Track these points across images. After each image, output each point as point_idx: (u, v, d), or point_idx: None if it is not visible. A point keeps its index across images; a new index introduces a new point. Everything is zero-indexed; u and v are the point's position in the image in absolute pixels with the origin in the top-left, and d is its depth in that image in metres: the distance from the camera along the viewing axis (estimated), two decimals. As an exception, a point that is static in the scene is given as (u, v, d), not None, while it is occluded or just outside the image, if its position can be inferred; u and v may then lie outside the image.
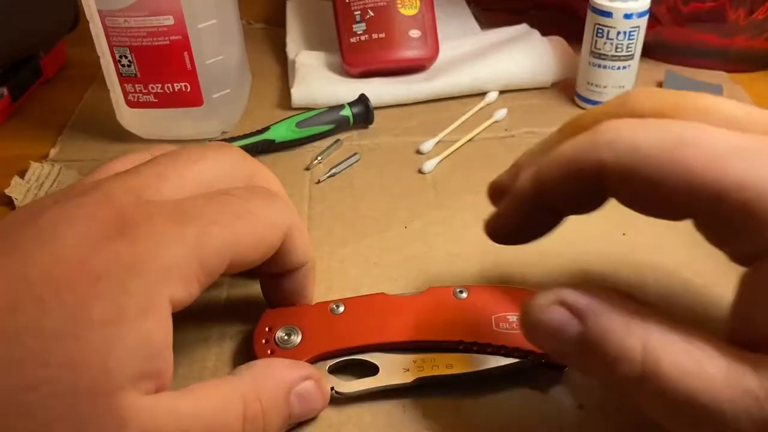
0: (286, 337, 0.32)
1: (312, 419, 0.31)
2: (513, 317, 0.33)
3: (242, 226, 0.27)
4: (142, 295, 0.24)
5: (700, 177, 0.22)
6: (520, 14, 0.70)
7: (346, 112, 0.52)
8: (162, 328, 0.24)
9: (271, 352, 0.32)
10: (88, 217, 0.25)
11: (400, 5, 0.58)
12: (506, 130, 0.53)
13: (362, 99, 0.53)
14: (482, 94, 0.58)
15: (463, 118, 0.54)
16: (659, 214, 0.25)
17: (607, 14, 0.51)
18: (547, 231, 0.30)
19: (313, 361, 0.32)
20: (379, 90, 0.56)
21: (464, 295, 0.34)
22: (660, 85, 0.59)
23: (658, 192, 0.23)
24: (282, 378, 0.29)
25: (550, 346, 0.25)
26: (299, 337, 0.32)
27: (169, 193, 0.27)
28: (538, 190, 0.27)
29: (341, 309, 0.33)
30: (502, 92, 0.58)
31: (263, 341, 0.32)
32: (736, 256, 0.24)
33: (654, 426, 0.30)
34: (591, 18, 0.53)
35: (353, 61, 0.58)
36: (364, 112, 0.53)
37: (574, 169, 0.25)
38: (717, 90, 0.58)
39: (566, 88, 0.58)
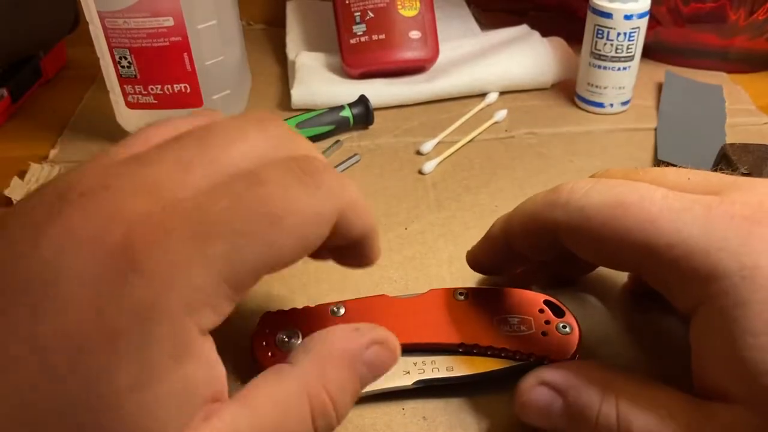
0: (286, 340, 0.32)
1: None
2: (514, 319, 0.33)
3: (280, 233, 0.23)
4: (171, 338, 0.20)
5: (634, 237, 0.26)
6: (520, 15, 0.70)
7: (346, 113, 0.52)
8: (201, 367, 0.21)
9: (272, 355, 0.32)
10: (95, 243, 0.20)
11: (400, 6, 0.58)
12: (506, 130, 0.53)
13: (362, 100, 0.53)
14: (482, 95, 0.58)
15: (463, 119, 0.54)
16: (611, 266, 0.29)
17: (608, 15, 0.51)
18: (519, 267, 0.36)
19: None
20: (379, 91, 0.56)
21: (465, 297, 0.34)
22: (660, 85, 0.59)
23: (603, 249, 0.27)
24: (343, 353, 0.25)
25: (543, 423, 0.28)
26: (300, 340, 0.32)
27: (196, 185, 0.23)
28: (506, 238, 0.32)
29: (342, 311, 0.33)
30: (502, 93, 0.58)
31: (263, 344, 0.32)
32: (679, 309, 0.27)
33: None
34: (591, 19, 0.53)
35: (353, 62, 0.58)
36: (364, 113, 0.53)
37: (534, 224, 0.30)
38: (717, 90, 0.58)
39: (566, 88, 0.58)
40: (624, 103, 0.55)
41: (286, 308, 0.34)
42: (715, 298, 0.24)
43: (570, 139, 0.52)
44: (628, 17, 0.51)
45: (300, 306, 0.34)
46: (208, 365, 0.22)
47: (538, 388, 0.28)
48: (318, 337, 0.26)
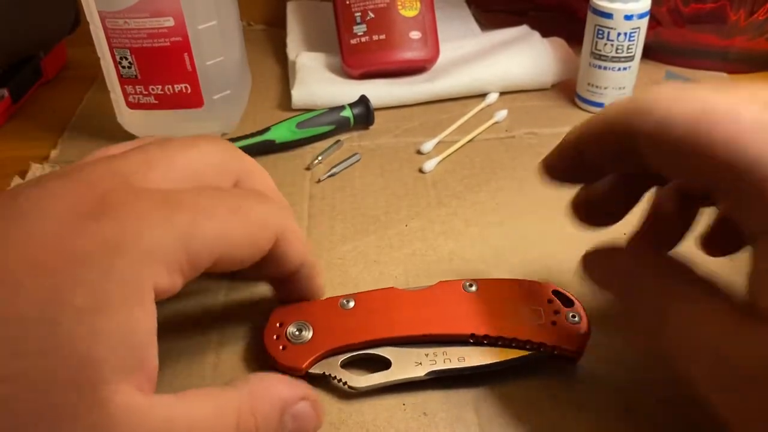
0: (297, 333, 0.32)
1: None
2: (523, 309, 0.33)
3: (234, 222, 0.26)
4: (128, 280, 0.22)
5: (720, 151, 0.23)
6: (520, 15, 0.70)
7: (347, 113, 0.52)
8: (147, 318, 0.23)
9: (283, 348, 0.32)
10: (71, 195, 0.24)
11: (400, 6, 0.59)
12: (506, 130, 0.53)
13: (363, 100, 0.53)
14: (483, 96, 0.58)
15: (464, 119, 0.54)
16: (689, 183, 0.27)
17: (608, 15, 0.51)
18: (591, 179, 0.32)
19: (326, 356, 0.32)
20: (380, 91, 0.56)
21: (474, 288, 0.34)
22: (655, 83, 0.59)
23: (682, 163, 0.24)
24: (279, 396, 0.27)
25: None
26: (310, 333, 0.32)
27: (157, 181, 0.26)
28: (579, 145, 0.29)
29: (351, 304, 0.33)
30: (502, 93, 0.58)
31: (274, 337, 0.32)
32: (746, 232, 0.25)
33: (653, 426, 0.30)
34: (591, 19, 0.53)
35: (353, 62, 0.58)
36: (364, 113, 0.53)
37: (611, 132, 0.27)
38: None
39: (566, 89, 0.58)
40: (624, 103, 0.55)
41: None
42: None
43: (570, 139, 0.52)
44: (628, 17, 0.51)
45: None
46: (151, 325, 0.23)
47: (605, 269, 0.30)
48: (259, 376, 0.27)
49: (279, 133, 0.50)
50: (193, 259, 0.24)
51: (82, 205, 0.23)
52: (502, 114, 0.55)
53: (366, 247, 0.41)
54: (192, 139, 0.29)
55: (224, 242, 0.25)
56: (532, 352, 0.32)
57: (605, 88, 0.54)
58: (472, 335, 0.32)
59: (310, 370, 0.31)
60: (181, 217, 0.24)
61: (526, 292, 0.34)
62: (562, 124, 0.54)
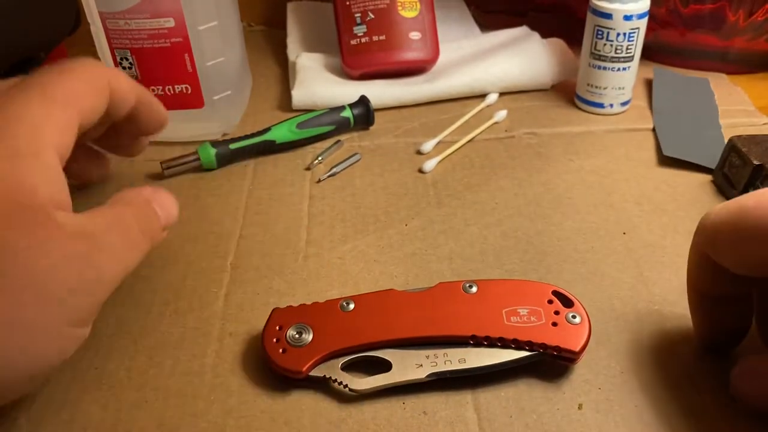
0: (297, 336, 0.32)
1: (312, 415, 0.31)
2: (523, 310, 0.33)
3: (71, 78, 0.31)
4: (30, 138, 0.28)
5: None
6: (520, 16, 0.70)
7: (347, 113, 0.52)
8: (57, 164, 0.28)
9: (283, 351, 0.32)
10: None
11: (400, 7, 0.59)
12: (506, 131, 0.54)
13: (363, 100, 0.53)
14: (482, 96, 0.58)
15: (464, 119, 0.54)
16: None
17: (607, 16, 0.51)
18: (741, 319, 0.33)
19: (327, 358, 0.32)
20: (380, 91, 0.57)
21: (474, 289, 0.34)
22: (650, 82, 0.59)
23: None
24: (141, 196, 0.33)
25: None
26: (311, 335, 0.32)
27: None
28: (696, 290, 0.33)
29: (351, 306, 0.33)
30: (502, 94, 0.58)
31: (274, 340, 0.32)
32: None
33: (653, 426, 0.30)
34: (591, 20, 0.53)
35: (353, 63, 0.58)
36: (364, 114, 0.53)
37: (698, 259, 0.31)
38: (704, 84, 0.59)
39: (566, 89, 0.59)
40: (624, 104, 0.55)
41: (293, 305, 0.34)
42: None
43: (570, 140, 0.52)
44: (627, 18, 0.51)
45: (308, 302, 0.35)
46: (60, 170, 0.29)
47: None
48: (121, 193, 0.33)
49: (279, 134, 0.51)
50: (65, 118, 0.30)
51: None
52: (501, 114, 0.55)
53: (366, 247, 0.41)
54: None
55: (76, 94, 0.31)
56: (533, 353, 0.32)
57: (605, 88, 0.54)
58: (473, 337, 0.32)
59: (311, 373, 0.32)
60: (38, 92, 0.30)
61: (526, 293, 0.34)
62: (561, 124, 0.54)
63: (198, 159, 0.49)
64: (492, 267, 0.39)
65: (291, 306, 0.34)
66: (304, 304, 0.34)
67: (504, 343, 0.32)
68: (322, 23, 0.67)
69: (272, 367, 0.32)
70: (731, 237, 0.28)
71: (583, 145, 0.52)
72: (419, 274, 0.39)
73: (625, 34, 0.52)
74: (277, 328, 0.33)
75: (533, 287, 0.34)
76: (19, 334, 0.26)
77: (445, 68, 0.59)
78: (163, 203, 0.35)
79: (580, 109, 0.56)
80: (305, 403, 0.32)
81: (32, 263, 0.26)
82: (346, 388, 0.31)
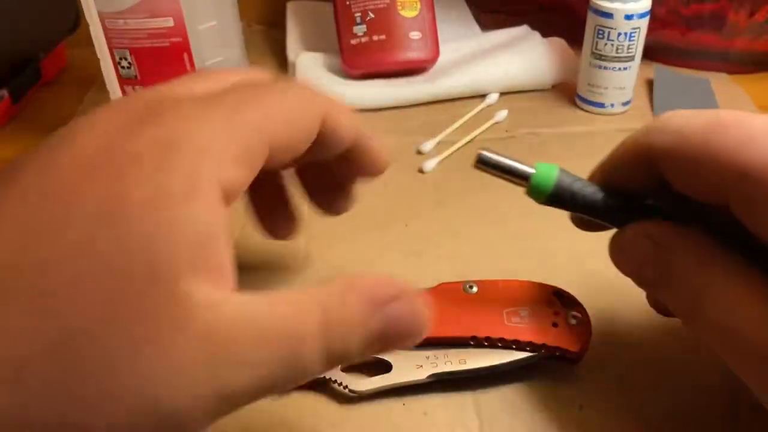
0: None
1: (312, 415, 0.31)
2: (524, 311, 0.33)
3: (274, 102, 0.25)
4: (186, 173, 0.21)
5: (730, 156, 0.24)
6: (520, 16, 0.70)
7: None
8: (213, 211, 0.22)
9: None
10: (117, 110, 0.24)
11: (400, 7, 0.59)
12: (507, 131, 0.53)
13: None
14: (483, 96, 0.58)
15: (464, 119, 0.54)
16: (703, 196, 0.26)
17: (608, 15, 0.51)
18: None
19: None
20: (380, 91, 0.56)
21: (474, 289, 0.34)
22: (650, 81, 0.59)
23: (696, 172, 0.25)
24: (367, 289, 0.24)
25: (631, 270, 0.28)
26: None
27: (201, 90, 0.26)
28: (606, 169, 0.31)
29: None
30: (502, 94, 0.58)
31: None
32: (764, 237, 0.25)
33: (654, 426, 0.30)
34: (592, 19, 0.53)
35: (353, 63, 0.58)
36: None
37: (631, 152, 0.29)
38: (705, 84, 0.59)
39: (567, 89, 0.58)
40: (625, 104, 0.55)
41: None
42: None
43: (570, 140, 0.52)
44: (628, 17, 0.51)
45: None
46: (219, 219, 0.22)
47: (642, 239, 0.28)
48: (341, 279, 0.24)
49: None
50: (247, 146, 0.24)
51: (128, 115, 0.23)
52: (502, 114, 0.54)
53: (366, 247, 0.41)
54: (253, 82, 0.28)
55: (272, 121, 0.25)
56: (534, 354, 0.32)
57: (605, 88, 0.54)
58: (473, 338, 0.32)
59: None
60: (223, 110, 0.24)
61: (527, 293, 0.34)
62: (562, 124, 0.54)
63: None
64: (492, 267, 0.39)
65: None
66: None
67: (505, 344, 0.32)
68: (321, 23, 0.67)
69: None
70: (697, 154, 0.25)
71: (584, 145, 0.52)
72: (419, 275, 0.39)
73: (626, 33, 0.52)
74: None
75: (534, 287, 0.34)
76: None
77: (445, 68, 0.59)
78: (400, 319, 0.24)
79: (580, 108, 0.56)
80: (305, 403, 0.32)
81: (136, 365, 0.20)
82: (347, 390, 0.31)
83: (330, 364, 0.23)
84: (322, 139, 0.28)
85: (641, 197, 0.30)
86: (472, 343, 0.32)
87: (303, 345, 0.22)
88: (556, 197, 0.30)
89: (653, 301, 0.32)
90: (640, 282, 0.28)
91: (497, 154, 0.30)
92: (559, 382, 0.32)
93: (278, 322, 0.22)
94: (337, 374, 0.31)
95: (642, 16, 0.51)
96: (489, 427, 0.30)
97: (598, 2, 0.52)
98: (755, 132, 0.24)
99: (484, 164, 0.30)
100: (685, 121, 0.26)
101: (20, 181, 0.22)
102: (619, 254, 0.29)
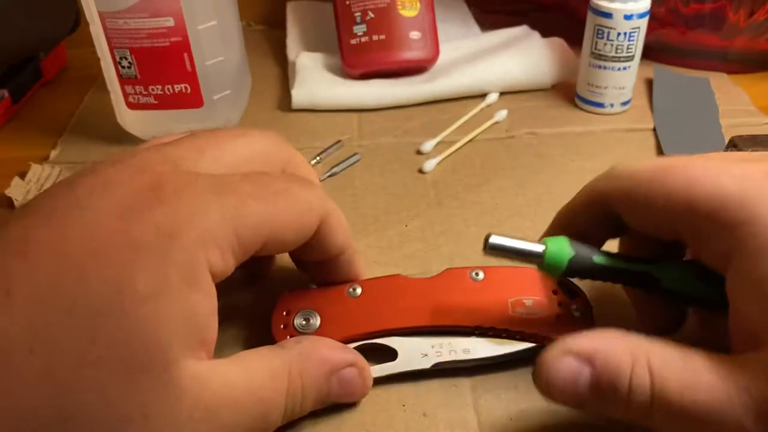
0: (304, 323, 0.32)
1: (312, 416, 0.31)
2: (529, 301, 0.33)
3: (280, 203, 0.27)
4: (185, 263, 0.24)
5: (678, 195, 0.26)
6: (520, 16, 0.70)
7: None
8: (207, 298, 0.24)
9: (290, 337, 0.32)
10: (125, 184, 0.25)
11: (400, 7, 0.59)
12: (507, 131, 0.53)
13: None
14: (483, 96, 0.58)
15: (464, 119, 0.54)
16: (658, 232, 0.28)
17: (608, 15, 0.51)
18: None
19: None
20: (380, 91, 0.56)
21: (481, 276, 0.34)
22: (650, 81, 0.59)
23: (649, 211, 0.28)
24: (327, 359, 0.29)
25: (569, 398, 0.26)
26: (318, 321, 0.32)
27: (207, 166, 0.27)
28: (565, 221, 0.32)
29: (358, 291, 0.33)
30: (502, 94, 0.58)
31: (281, 326, 0.32)
32: (715, 264, 0.27)
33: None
34: (591, 19, 0.53)
35: (353, 62, 0.58)
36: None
37: (588, 199, 0.31)
38: (704, 84, 0.59)
39: (566, 89, 0.58)
40: (624, 104, 0.55)
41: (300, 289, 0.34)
42: (749, 240, 0.24)
43: (570, 140, 0.52)
44: (628, 17, 0.51)
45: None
46: (210, 305, 0.25)
47: (564, 358, 0.26)
48: (310, 339, 0.30)
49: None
50: (243, 240, 0.25)
51: (136, 193, 0.24)
52: (502, 114, 0.54)
53: (366, 247, 0.41)
54: (241, 129, 0.31)
55: (272, 223, 0.27)
56: (537, 344, 0.32)
57: (605, 87, 0.54)
58: (478, 328, 0.32)
59: None
60: (230, 200, 0.25)
61: (532, 282, 0.34)
62: (562, 124, 0.54)
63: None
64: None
65: (299, 290, 0.34)
66: (312, 288, 0.34)
67: (509, 335, 0.32)
68: (321, 23, 0.67)
69: None
70: (647, 195, 0.27)
71: (584, 145, 0.52)
72: (420, 275, 0.39)
73: (625, 33, 0.52)
74: (284, 313, 0.33)
75: (540, 277, 0.34)
76: None
77: (445, 68, 0.59)
78: (349, 383, 0.30)
79: (580, 108, 0.56)
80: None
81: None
82: None
83: (287, 420, 0.28)
84: (312, 242, 0.30)
85: (654, 255, 0.31)
86: (476, 332, 0.32)
87: (271, 408, 0.26)
88: (572, 271, 0.30)
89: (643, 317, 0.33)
90: (580, 406, 0.26)
91: (506, 237, 0.30)
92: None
93: (253, 391, 0.26)
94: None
95: (641, 15, 0.51)
96: (489, 428, 0.30)
97: (597, 2, 0.52)
98: (697, 171, 0.26)
99: (493, 249, 0.30)
100: (636, 167, 0.28)
101: (31, 254, 0.23)
102: (550, 387, 0.26)
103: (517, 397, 0.32)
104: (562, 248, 0.29)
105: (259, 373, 0.26)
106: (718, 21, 0.58)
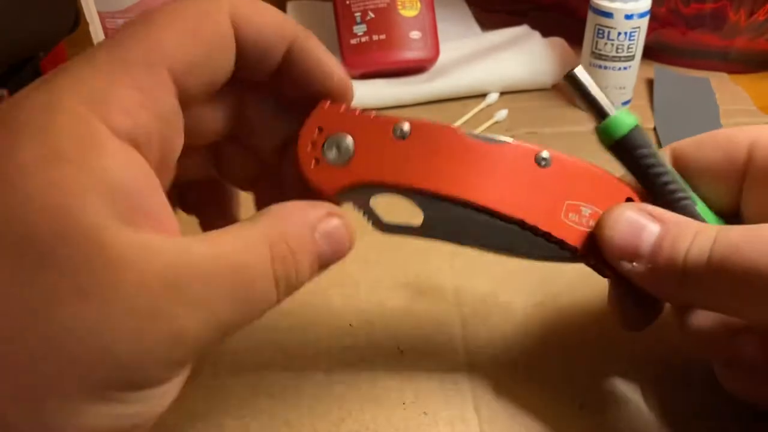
0: (336, 151, 0.27)
1: (311, 412, 0.31)
2: (587, 210, 0.28)
3: (163, 22, 0.23)
4: (74, 129, 0.20)
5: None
6: (520, 15, 0.70)
7: None
8: (122, 161, 0.20)
9: (316, 162, 0.27)
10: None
11: (400, 6, 0.59)
12: (507, 131, 0.53)
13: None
14: (483, 95, 0.58)
15: (464, 119, 0.54)
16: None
17: (608, 15, 0.51)
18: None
19: (361, 186, 0.28)
20: (380, 91, 0.56)
21: (547, 163, 0.28)
22: (651, 82, 0.59)
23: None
24: (304, 217, 0.24)
25: (625, 250, 0.26)
26: (351, 153, 0.27)
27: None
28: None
29: (407, 129, 0.27)
30: (502, 93, 0.58)
31: (309, 146, 0.27)
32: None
33: (656, 426, 0.30)
34: (592, 19, 0.53)
35: (354, 62, 0.58)
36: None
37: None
38: (704, 84, 0.59)
39: (567, 89, 0.58)
40: (624, 103, 0.55)
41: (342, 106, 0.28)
42: None
43: (570, 139, 0.52)
44: (628, 17, 0.51)
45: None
46: (133, 169, 0.21)
47: (637, 211, 0.27)
48: (275, 207, 0.25)
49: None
50: (137, 87, 0.22)
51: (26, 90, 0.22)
52: (502, 114, 0.54)
53: (366, 247, 0.41)
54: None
55: (165, 49, 0.22)
56: (571, 260, 0.29)
57: (605, 87, 0.54)
58: (521, 222, 0.28)
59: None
60: (105, 54, 0.22)
61: (600, 189, 0.29)
62: (562, 124, 0.54)
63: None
64: (493, 265, 0.39)
65: (339, 106, 0.28)
66: (354, 112, 0.28)
67: (549, 240, 0.28)
68: (322, 23, 0.67)
69: (299, 177, 0.28)
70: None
71: (584, 145, 0.51)
72: (420, 275, 0.39)
73: (626, 33, 0.52)
74: (318, 129, 0.27)
75: (609, 184, 0.29)
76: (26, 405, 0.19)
77: (446, 68, 0.59)
78: (334, 235, 0.25)
79: (580, 108, 0.56)
80: (305, 404, 0.32)
81: (65, 319, 0.19)
82: (373, 221, 0.29)
83: (287, 293, 0.24)
84: (242, 51, 0.25)
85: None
86: (519, 225, 0.28)
87: (255, 276, 0.22)
88: (622, 146, 0.29)
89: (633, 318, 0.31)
90: (635, 257, 0.26)
91: (589, 77, 0.29)
92: (560, 381, 0.32)
93: (223, 257, 0.21)
94: (365, 207, 0.28)
95: (642, 15, 0.51)
96: (489, 426, 0.30)
97: (598, 2, 0.52)
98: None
99: (571, 82, 0.28)
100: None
101: None
102: (613, 238, 0.27)
103: (518, 394, 0.32)
104: (629, 121, 0.29)
105: (229, 243, 0.22)
106: (718, 21, 0.58)
